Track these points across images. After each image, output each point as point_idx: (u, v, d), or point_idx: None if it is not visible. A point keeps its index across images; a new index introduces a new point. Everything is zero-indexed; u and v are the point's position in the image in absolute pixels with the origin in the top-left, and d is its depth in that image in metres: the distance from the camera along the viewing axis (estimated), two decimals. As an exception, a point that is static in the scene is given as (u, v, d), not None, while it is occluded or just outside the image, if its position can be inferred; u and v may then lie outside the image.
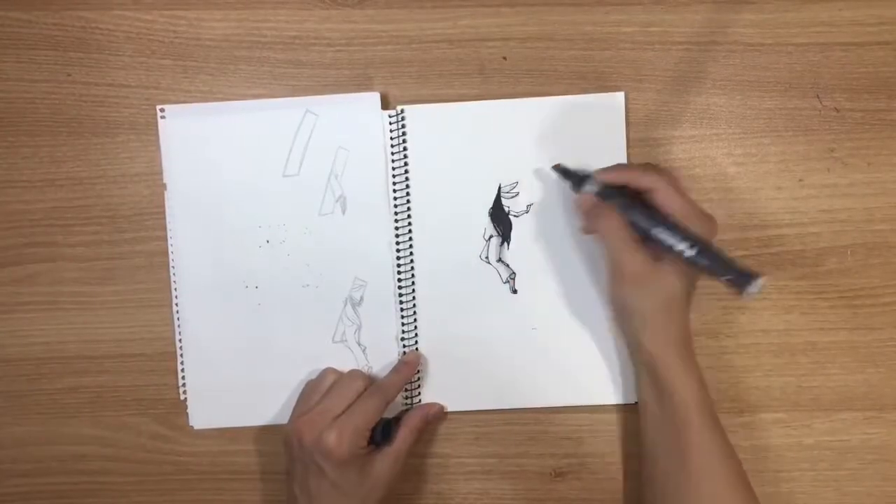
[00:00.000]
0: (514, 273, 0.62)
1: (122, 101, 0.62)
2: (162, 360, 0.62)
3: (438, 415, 0.62)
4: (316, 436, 0.54)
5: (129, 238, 0.62)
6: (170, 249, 0.62)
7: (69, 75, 0.62)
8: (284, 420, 0.60)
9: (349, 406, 0.56)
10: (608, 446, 0.62)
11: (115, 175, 0.62)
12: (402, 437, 0.58)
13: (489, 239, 0.62)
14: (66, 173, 0.62)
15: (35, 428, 0.63)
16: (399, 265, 0.61)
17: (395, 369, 0.60)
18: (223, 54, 0.61)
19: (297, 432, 0.55)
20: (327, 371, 0.60)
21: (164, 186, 0.61)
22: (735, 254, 0.61)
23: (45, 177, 0.62)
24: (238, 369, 0.62)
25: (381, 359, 0.62)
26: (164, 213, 0.62)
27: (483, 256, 0.62)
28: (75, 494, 0.63)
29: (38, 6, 0.61)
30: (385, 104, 0.61)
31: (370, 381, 0.58)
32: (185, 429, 0.63)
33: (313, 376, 0.61)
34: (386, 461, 0.57)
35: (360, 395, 0.57)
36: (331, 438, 0.54)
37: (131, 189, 0.62)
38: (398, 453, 0.57)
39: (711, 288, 0.61)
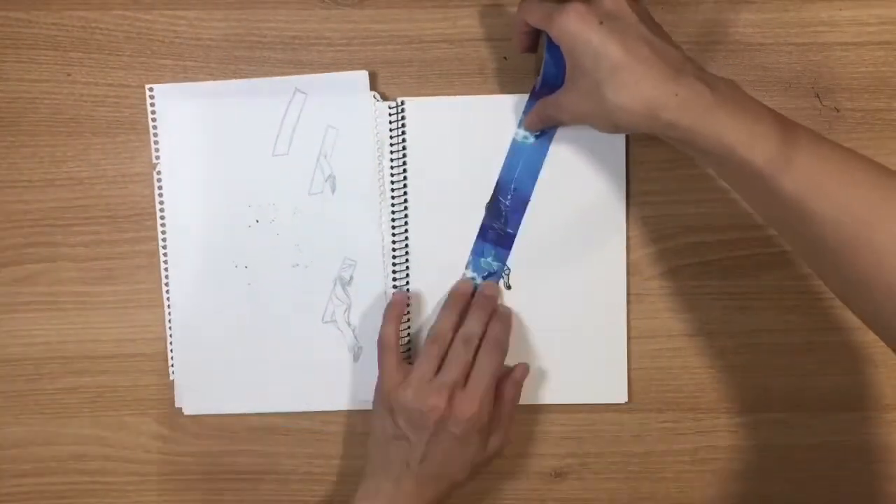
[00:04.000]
0: (508, 268, 0.62)
1: (122, 101, 0.61)
2: (162, 359, 0.62)
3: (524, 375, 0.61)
4: (448, 405, 0.55)
5: (128, 238, 0.62)
6: (159, 229, 0.61)
7: (69, 75, 0.62)
8: (274, 404, 0.62)
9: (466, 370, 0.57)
10: (609, 446, 0.62)
11: (115, 175, 0.62)
12: (509, 410, 0.59)
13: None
14: (66, 173, 0.62)
15: (35, 428, 0.63)
16: (395, 259, 0.61)
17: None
18: (223, 54, 0.61)
19: (426, 405, 0.55)
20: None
21: (153, 165, 0.61)
22: (736, 253, 0.61)
23: (45, 177, 0.62)
24: (226, 349, 0.62)
25: (370, 339, 0.61)
26: (164, 212, 0.62)
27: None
28: (75, 494, 0.63)
29: (38, 6, 0.61)
30: (385, 99, 0.61)
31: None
32: (186, 429, 0.63)
33: (302, 356, 0.61)
34: (499, 434, 0.58)
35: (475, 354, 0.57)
36: (468, 406, 0.55)
37: (131, 189, 0.62)
38: (509, 426, 0.59)
39: (714, 287, 0.61)
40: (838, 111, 0.61)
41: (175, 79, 0.61)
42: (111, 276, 0.62)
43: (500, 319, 0.60)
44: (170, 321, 0.62)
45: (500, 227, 0.61)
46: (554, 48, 0.54)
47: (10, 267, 0.62)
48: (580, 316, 0.61)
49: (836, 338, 0.61)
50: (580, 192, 0.61)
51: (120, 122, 0.62)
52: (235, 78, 0.61)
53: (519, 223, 0.61)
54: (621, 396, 0.62)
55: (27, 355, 0.62)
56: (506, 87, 0.61)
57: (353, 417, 0.63)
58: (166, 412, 0.63)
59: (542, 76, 0.57)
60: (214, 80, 0.61)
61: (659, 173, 0.61)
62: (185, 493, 0.63)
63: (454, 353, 0.57)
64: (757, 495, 0.62)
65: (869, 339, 0.61)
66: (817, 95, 0.61)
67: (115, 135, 0.62)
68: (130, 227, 0.62)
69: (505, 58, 0.61)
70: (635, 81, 0.48)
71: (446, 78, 0.61)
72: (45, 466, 0.63)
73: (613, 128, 0.52)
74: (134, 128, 0.61)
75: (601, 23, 0.49)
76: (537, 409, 0.62)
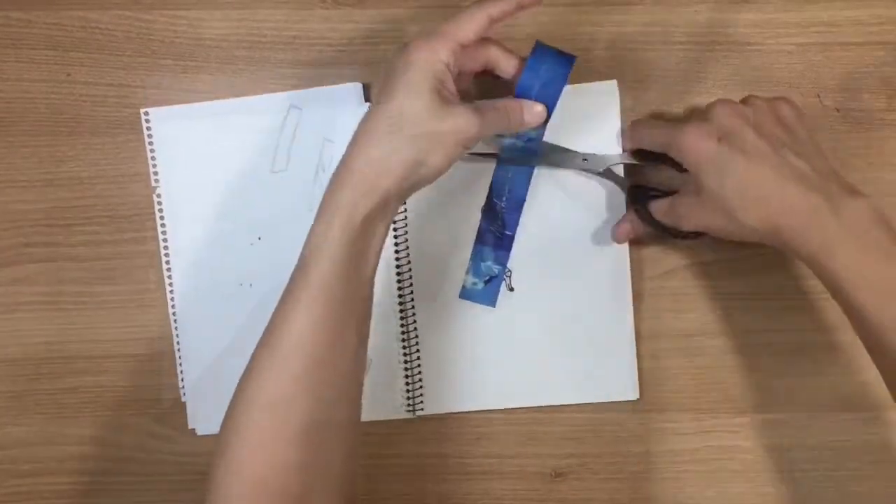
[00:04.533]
0: (509, 270, 0.61)
1: (122, 100, 0.61)
2: (162, 360, 0.62)
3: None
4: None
5: (129, 238, 0.62)
6: (162, 252, 0.61)
7: (69, 75, 0.61)
8: None
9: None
10: (609, 446, 0.62)
11: (115, 175, 0.62)
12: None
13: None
14: (65, 173, 0.62)
15: (35, 428, 0.63)
16: (398, 269, 0.61)
17: None
18: (223, 54, 0.61)
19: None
20: None
21: (153, 189, 0.61)
22: (738, 253, 0.61)
23: (45, 177, 0.62)
24: (236, 368, 0.61)
25: (376, 354, 0.61)
26: (166, 235, 0.61)
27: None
28: (75, 494, 0.63)
29: (37, 6, 0.61)
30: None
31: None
32: (185, 429, 0.62)
33: None
34: (465, 112, 0.49)
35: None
36: (415, 39, 0.49)
37: (131, 189, 0.62)
38: (482, 109, 0.50)
39: (714, 287, 0.61)
40: (839, 111, 0.61)
41: (175, 78, 0.61)
42: (111, 276, 0.62)
43: None
44: (178, 344, 0.62)
45: (497, 229, 0.61)
46: (534, 62, 0.53)
47: (10, 267, 0.62)
48: (585, 314, 0.61)
49: (838, 338, 0.61)
50: (578, 188, 0.61)
51: (120, 121, 0.61)
52: (235, 78, 0.61)
53: (517, 224, 0.61)
54: (632, 393, 0.61)
55: (27, 355, 0.62)
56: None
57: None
58: (166, 412, 0.62)
59: (518, 87, 0.54)
60: (214, 79, 0.61)
61: (659, 173, 0.61)
62: (184, 493, 0.62)
63: None
64: (758, 496, 0.62)
65: (869, 339, 0.61)
66: (818, 95, 0.61)
67: (115, 134, 0.62)
68: (130, 226, 0.62)
69: (505, 58, 0.61)
70: (759, 200, 0.49)
71: (446, 78, 0.61)
72: (45, 467, 0.63)
73: (738, 239, 0.53)
74: (134, 127, 0.61)
75: (719, 140, 0.50)
76: (537, 409, 0.62)
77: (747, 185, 0.49)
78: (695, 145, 0.51)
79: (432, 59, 0.48)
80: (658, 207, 0.56)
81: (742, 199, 0.50)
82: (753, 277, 0.61)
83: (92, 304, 0.62)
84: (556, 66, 0.54)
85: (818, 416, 0.61)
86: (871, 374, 0.61)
